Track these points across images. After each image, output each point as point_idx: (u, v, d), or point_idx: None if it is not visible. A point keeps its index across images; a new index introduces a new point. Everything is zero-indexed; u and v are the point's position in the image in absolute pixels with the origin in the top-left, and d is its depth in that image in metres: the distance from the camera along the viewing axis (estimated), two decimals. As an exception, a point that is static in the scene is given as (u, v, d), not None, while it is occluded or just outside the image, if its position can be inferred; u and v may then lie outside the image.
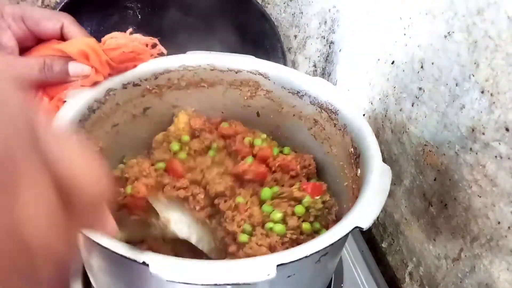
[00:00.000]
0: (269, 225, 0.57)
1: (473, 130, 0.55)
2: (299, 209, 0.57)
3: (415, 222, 0.70)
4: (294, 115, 0.70)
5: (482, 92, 0.53)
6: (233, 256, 0.52)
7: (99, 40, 0.58)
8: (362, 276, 0.68)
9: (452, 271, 0.62)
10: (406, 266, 0.73)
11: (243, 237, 0.53)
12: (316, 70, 0.98)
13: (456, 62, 0.57)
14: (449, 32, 0.58)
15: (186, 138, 0.69)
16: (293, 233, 0.54)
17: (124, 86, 0.62)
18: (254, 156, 0.67)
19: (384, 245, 0.80)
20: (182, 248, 0.51)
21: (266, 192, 0.61)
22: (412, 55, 0.66)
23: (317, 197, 0.58)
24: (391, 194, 0.47)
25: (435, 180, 0.64)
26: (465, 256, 0.59)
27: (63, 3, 0.72)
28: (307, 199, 0.58)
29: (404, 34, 0.68)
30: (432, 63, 0.62)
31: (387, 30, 0.73)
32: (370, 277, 0.68)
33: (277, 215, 0.56)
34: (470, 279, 0.59)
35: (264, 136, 0.73)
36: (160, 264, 0.35)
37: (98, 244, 0.37)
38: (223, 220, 0.56)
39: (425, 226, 0.67)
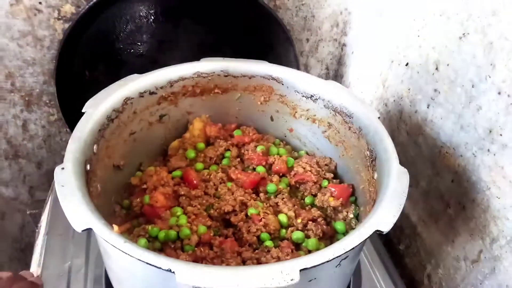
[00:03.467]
0: (283, 232, 0.57)
1: (490, 131, 0.55)
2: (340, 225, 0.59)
3: (433, 224, 0.69)
4: (308, 118, 0.70)
5: (499, 93, 0.53)
6: (250, 261, 0.52)
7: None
8: (380, 279, 0.68)
9: (471, 273, 0.62)
10: (424, 268, 0.73)
11: (268, 243, 0.54)
12: (328, 73, 0.99)
13: (472, 64, 0.57)
14: (464, 34, 0.58)
15: (201, 145, 0.70)
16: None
17: (141, 95, 0.62)
18: (268, 164, 0.67)
19: (401, 247, 0.80)
20: (200, 256, 0.52)
21: (271, 186, 0.63)
22: (426, 57, 0.66)
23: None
24: (407, 196, 0.47)
25: (452, 181, 0.63)
26: (485, 257, 0.59)
27: (80, 14, 0.73)
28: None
29: (418, 36, 0.68)
30: (448, 65, 0.62)
31: (400, 32, 0.73)
32: (389, 280, 0.68)
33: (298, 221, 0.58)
34: (490, 281, 0.58)
35: (278, 141, 0.73)
36: (185, 271, 0.36)
37: (123, 252, 0.38)
38: (237, 231, 0.57)
39: (443, 228, 0.67)
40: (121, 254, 0.39)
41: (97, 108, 0.55)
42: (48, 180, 0.97)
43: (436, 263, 0.69)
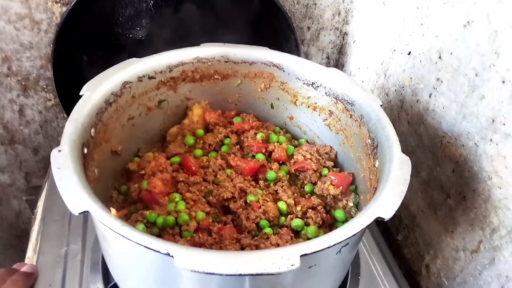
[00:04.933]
0: (282, 219, 0.57)
1: (493, 120, 0.55)
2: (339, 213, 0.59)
3: (432, 214, 0.69)
4: (309, 106, 0.69)
5: (503, 82, 0.52)
6: (249, 248, 0.52)
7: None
8: (379, 268, 0.67)
9: (470, 263, 0.61)
10: (422, 258, 0.73)
11: (267, 230, 0.54)
12: (329, 62, 0.98)
13: (475, 52, 0.56)
14: (468, 21, 0.57)
15: (200, 132, 0.69)
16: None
17: (140, 79, 0.62)
18: (268, 151, 0.67)
19: (399, 237, 0.79)
20: (199, 242, 0.51)
21: (270, 174, 0.62)
22: (429, 45, 0.65)
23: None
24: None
25: (453, 171, 0.63)
26: (485, 248, 0.59)
27: (78, -3, 0.72)
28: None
29: (421, 24, 0.67)
30: (451, 53, 0.61)
31: (403, 20, 0.72)
32: (387, 269, 0.68)
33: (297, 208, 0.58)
34: (489, 271, 0.58)
35: (278, 129, 0.73)
36: (184, 255, 0.35)
37: (121, 235, 0.37)
38: (236, 217, 0.57)
39: (442, 218, 0.67)
40: (119, 238, 0.39)
41: (95, 91, 0.54)
42: (44, 166, 0.96)
43: (435, 253, 0.69)
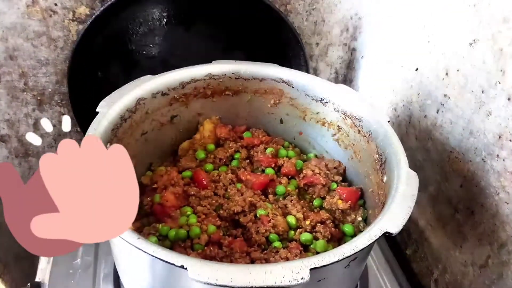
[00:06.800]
0: (291, 233, 0.58)
1: (500, 137, 0.55)
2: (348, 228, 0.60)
3: (441, 229, 0.70)
4: (317, 121, 0.71)
5: (509, 99, 0.53)
6: (259, 261, 0.53)
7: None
8: (387, 282, 0.68)
9: (479, 278, 0.62)
10: (431, 273, 0.73)
11: (277, 243, 0.55)
12: (338, 77, 0.99)
13: (481, 70, 0.57)
14: (474, 40, 0.58)
15: (211, 147, 0.70)
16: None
17: (153, 96, 0.63)
18: (277, 166, 0.68)
19: (408, 252, 0.80)
20: (210, 255, 0.52)
21: (280, 188, 0.63)
22: (436, 62, 0.67)
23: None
24: (415, 201, 0.48)
25: (461, 186, 0.64)
26: (493, 263, 0.59)
27: (94, 16, 0.74)
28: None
29: (428, 42, 0.68)
30: (457, 70, 0.62)
31: (411, 38, 0.74)
32: (396, 284, 0.68)
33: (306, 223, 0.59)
34: (497, 286, 0.58)
35: (287, 144, 0.74)
36: (198, 268, 0.37)
37: (137, 248, 0.39)
38: (246, 231, 0.58)
39: (451, 233, 0.67)
40: (133, 250, 0.40)
41: (111, 107, 0.56)
42: (58, 179, 0.98)
43: (444, 268, 0.70)
